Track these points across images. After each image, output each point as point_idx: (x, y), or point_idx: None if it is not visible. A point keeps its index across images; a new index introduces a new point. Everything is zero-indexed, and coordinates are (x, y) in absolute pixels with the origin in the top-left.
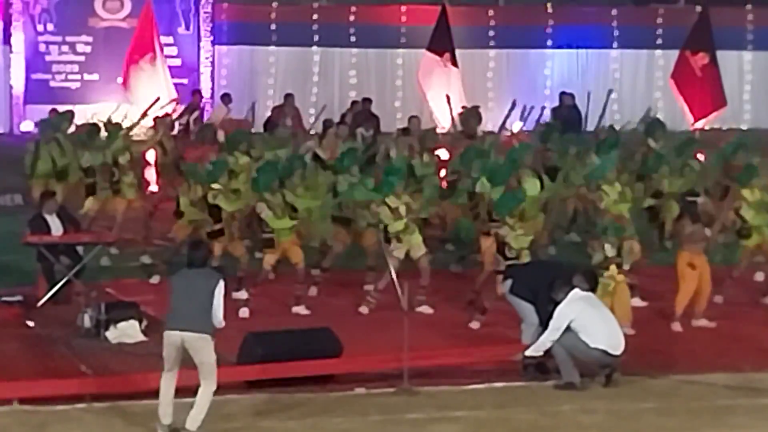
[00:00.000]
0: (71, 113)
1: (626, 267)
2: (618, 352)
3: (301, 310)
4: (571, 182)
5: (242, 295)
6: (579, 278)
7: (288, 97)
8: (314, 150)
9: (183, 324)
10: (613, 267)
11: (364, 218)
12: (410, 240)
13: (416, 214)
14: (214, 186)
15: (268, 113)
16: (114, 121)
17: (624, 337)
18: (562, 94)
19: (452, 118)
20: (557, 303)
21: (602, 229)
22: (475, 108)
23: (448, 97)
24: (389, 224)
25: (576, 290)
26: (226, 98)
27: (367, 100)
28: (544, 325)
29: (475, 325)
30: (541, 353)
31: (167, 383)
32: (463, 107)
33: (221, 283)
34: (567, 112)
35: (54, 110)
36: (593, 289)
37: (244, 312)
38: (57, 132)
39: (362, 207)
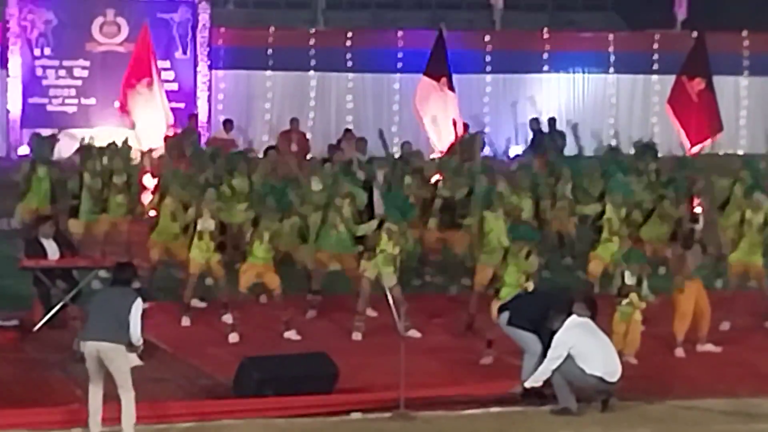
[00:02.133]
0: (52, 136)
1: (651, 299)
2: (614, 379)
3: (292, 335)
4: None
5: (228, 318)
6: (579, 305)
7: (293, 121)
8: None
9: (97, 335)
10: (633, 295)
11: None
12: (382, 265)
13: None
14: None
15: (265, 137)
16: (115, 143)
17: (621, 363)
18: (532, 120)
19: (454, 142)
20: (554, 331)
21: (625, 256)
22: (478, 134)
23: (454, 122)
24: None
25: (573, 317)
26: (228, 124)
27: (349, 131)
28: (545, 354)
29: (487, 360)
30: (541, 383)
31: (93, 394)
32: (465, 132)
33: (138, 301)
34: (535, 137)
35: (37, 134)
36: (594, 315)
37: (234, 337)
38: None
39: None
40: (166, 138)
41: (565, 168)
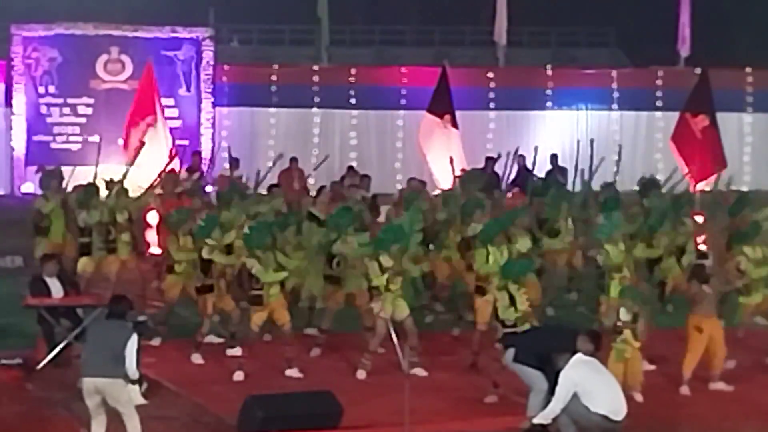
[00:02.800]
0: (58, 170)
1: (642, 338)
2: (620, 418)
3: (294, 372)
4: (562, 238)
5: (236, 351)
6: (583, 339)
7: (293, 160)
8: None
9: (95, 371)
10: (627, 332)
11: (355, 277)
12: (393, 300)
13: (404, 274)
14: (208, 241)
15: (269, 175)
16: (115, 179)
17: (627, 401)
18: (519, 156)
19: (453, 180)
20: (560, 370)
21: (621, 292)
22: (478, 170)
23: (451, 159)
24: (373, 279)
25: (578, 355)
26: (234, 163)
27: (351, 168)
28: (551, 391)
29: (491, 399)
30: (549, 421)
31: (97, 429)
32: (462, 170)
33: (134, 337)
34: (518, 174)
35: (41, 168)
36: (598, 349)
37: (239, 375)
38: (46, 190)
39: (353, 266)
40: (160, 174)
41: (565, 203)
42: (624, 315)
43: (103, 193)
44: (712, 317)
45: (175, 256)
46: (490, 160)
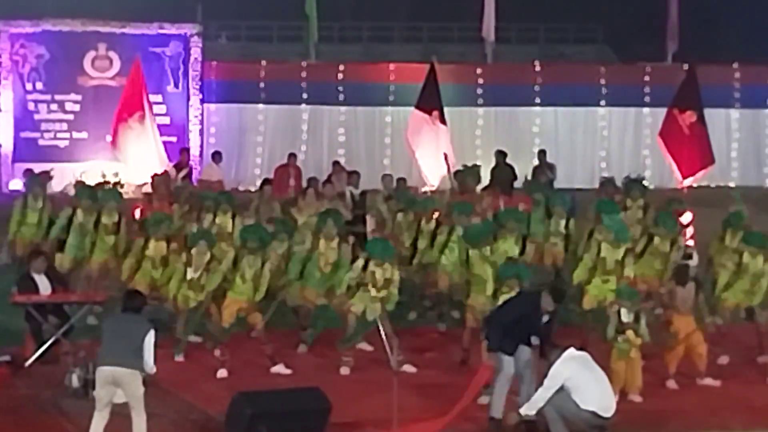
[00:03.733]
0: (46, 174)
1: (647, 337)
2: (609, 414)
3: (280, 368)
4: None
5: (218, 352)
6: (546, 298)
7: (291, 156)
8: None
9: (114, 360)
10: (630, 332)
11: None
12: (366, 300)
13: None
14: (193, 252)
15: (257, 171)
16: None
17: (626, 402)
18: (497, 152)
19: (450, 176)
20: (551, 363)
21: (618, 293)
22: (475, 167)
23: (446, 155)
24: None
25: (570, 349)
26: (216, 156)
27: (337, 164)
28: (511, 339)
29: (484, 400)
30: (534, 412)
31: (98, 421)
32: (464, 165)
33: (152, 332)
34: (499, 170)
35: (29, 170)
36: (558, 304)
37: (222, 373)
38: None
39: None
40: (154, 176)
41: (558, 205)
42: (625, 316)
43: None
44: (685, 315)
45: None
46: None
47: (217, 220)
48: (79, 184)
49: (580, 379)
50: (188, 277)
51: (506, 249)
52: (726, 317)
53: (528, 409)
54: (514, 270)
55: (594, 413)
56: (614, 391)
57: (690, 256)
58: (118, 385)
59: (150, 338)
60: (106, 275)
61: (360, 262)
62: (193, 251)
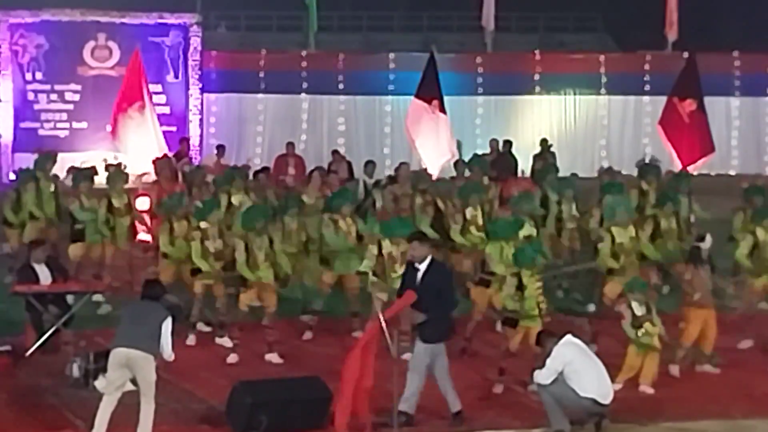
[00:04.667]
0: (55, 154)
1: (661, 333)
2: (608, 401)
3: (273, 357)
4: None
5: (225, 342)
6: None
7: (289, 145)
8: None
9: (130, 342)
10: (648, 324)
11: (345, 260)
12: (393, 284)
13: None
14: (202, 225)
15: (257, 160)
16: (111, 165)
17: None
18: (492, 140)
19: (457, 163)
20: (548, 350)
21: (628, 287)
22: (484, 155)
23: (458, 143)
24: (370, 264)
25: (568, 336)
26: (220, 150)
27: (337, 152)
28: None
29: (498, 389)
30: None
31: (106, 406)
32: (474, 154)
33: (169, 319)
34: (497, 158)
35: (38, 150)
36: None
37: (233, 358)
38: (40, 172)
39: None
40: (155, 160)
41: (567, 189)
42: (638, 309)
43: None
44: (703, 308)
45: (164, 248)
46: (507, 143)
47: (233, 200)
48: (73, 170)
49: (579, 365)
50: (211, 250)
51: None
52: (749, 304)
53: (534, 382)
54: (530, 251)
55: (593, 400)
56: (618, 380)
57: (702, 238)
58: (132, 368)
59: (167, 325)
60: (118, 262)
61: (374, 249)
62: (203, 224)
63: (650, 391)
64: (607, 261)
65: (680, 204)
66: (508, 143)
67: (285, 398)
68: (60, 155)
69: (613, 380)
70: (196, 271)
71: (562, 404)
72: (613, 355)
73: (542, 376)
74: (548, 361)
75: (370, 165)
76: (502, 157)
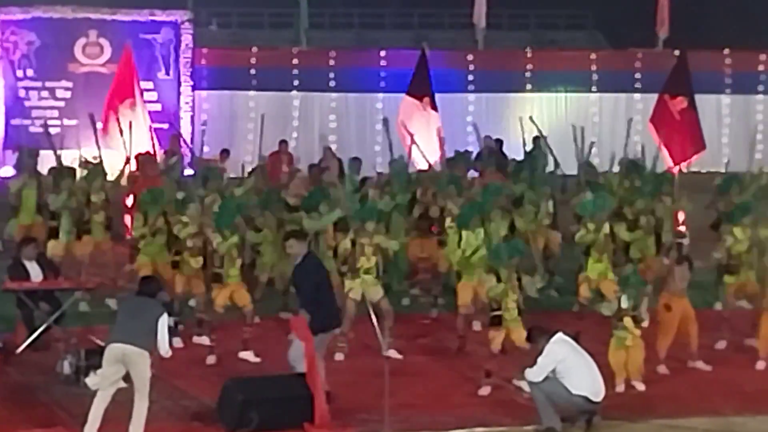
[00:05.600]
0: (36, 151)
1: (644, 324)
2: (599, 399)
3: (248, 355)
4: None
5: (203, 340)
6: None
7: (282, 143)
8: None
9: (126, 338)
10: (628, 320)
11: (324, 258)
12: (365, 280)
13: (384, 252)
14: (183, 219)
15: (248, 158)
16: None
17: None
18: (486, 137)
19: (441, 159)
20: (540, 348)
21: (623, 279)
22: (466, 152)
23: (441, 139)
24: (343, 257)
25: (559, 333)
26: (224, 154)
27: (328, 149)
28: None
29: (485, 391)
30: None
31: (100, 402)
32: (456, 151)
33: (164, 315)
34: (488, 156)
35: (18, 147)
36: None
37: (211, 359)
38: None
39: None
40: (137, 156)
41: (545, 186)
42: (625, 302)
43: (81, 173)
44: (683, 297)
45: (136, 233)
46: (499, 142)
47: (207, 200)
48: (54, 170)
49: (571, 363)
50: (189, 245)
51: (496, 228)
52: (730, 302)
53: (526, 381)
54: (509, 250)
55: (585, 398)
56: (617, 381)
57: (683, 236)
58: (127, 364)
59: (163, 321)
60: (99, 260)
61: (347, 243)
62: (184, 218)
63: (641, 387)
64: (585, 238)
65: (656, 202)
66: (499, 142)
67: (276, 395)
68: (50, 152)
69: (609, 385)
70: (175, 264)
71: (553, 401)
72: (594, 353)
73: (534, 374)
74: (540, 358)
75: (355, 162)
76: (493, 156)
